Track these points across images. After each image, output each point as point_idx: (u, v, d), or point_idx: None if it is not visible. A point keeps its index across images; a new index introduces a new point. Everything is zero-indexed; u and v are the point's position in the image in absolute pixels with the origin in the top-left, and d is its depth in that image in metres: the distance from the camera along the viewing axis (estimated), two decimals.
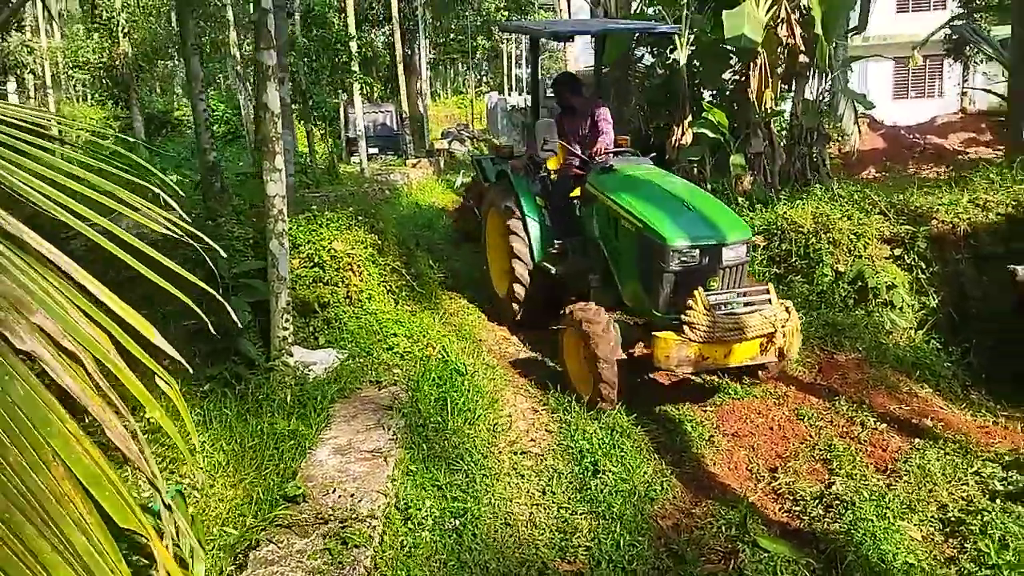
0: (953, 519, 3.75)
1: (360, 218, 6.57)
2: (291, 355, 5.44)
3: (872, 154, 15.49)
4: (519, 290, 6.55)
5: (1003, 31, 18.52)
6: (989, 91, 15.39)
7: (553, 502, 4.14)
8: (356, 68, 13.80)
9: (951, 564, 3.51)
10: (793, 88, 9.70)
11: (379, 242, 6.63)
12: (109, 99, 14.83)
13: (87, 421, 1.68)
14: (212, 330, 2.22)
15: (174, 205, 2.24)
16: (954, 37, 16.10)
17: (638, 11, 14.60)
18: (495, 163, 7.45)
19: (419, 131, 21.92)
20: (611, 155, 6.07)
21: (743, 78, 9.80)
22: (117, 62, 14.90)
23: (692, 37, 9.31)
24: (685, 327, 4.66)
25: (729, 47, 9.51)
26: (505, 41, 31.20)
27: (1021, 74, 8.40)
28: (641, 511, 4.01)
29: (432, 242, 9.08)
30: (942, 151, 16.15)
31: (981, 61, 18.87)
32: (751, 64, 8.91)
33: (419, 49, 22.22)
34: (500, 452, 4.66)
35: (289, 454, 4.22)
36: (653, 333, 4.77)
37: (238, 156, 15.19)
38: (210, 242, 2.33)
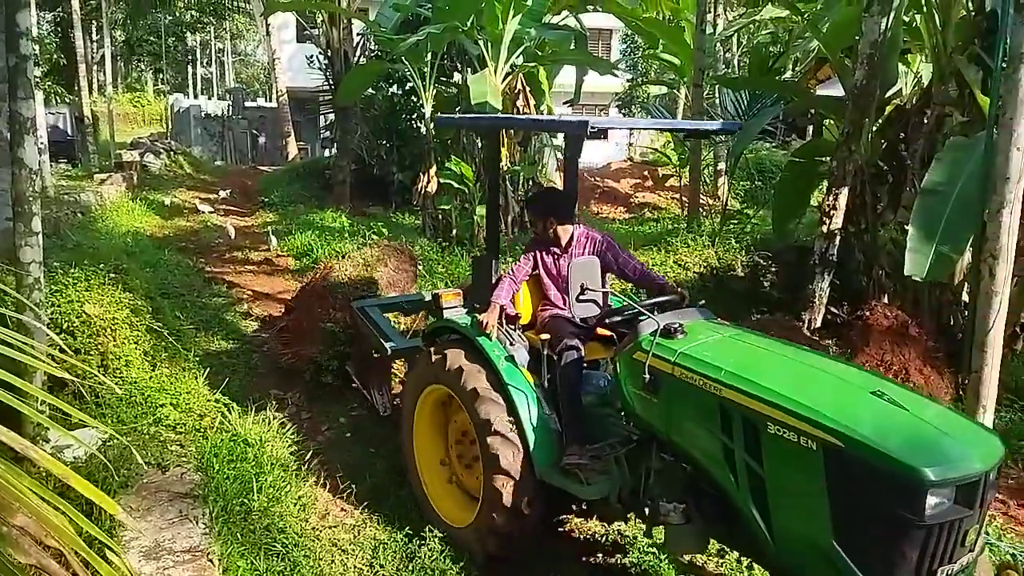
0: None
1: (112, 275, 5.92)
2: (47, 440, 4.80)
3: None
4: (507, 526, 4.13)
5: (657, 90, 22.41)
6: (654, 150, 18.39)
7: None
8: (39, 73, 11.92)
9: None
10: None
11: (133, 300, 6.04)
12: None
13: None
14: None
15: None
16: (626, 99, 18.97)
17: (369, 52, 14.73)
18: (387, 309, 5.90)
19: (95, 136, 19.49)
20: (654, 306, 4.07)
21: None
22: None
23: (434, 91, 9.90)
24: None
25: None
26: (196, 42, 29.04)
27: (697, 153, 10.44)
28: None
29: (168, 285, 8.35)
30: (616, 193, 18.96)
31: (643, 118, 22.56)
32: None
33: (102, 42, 19.79)
34: (315, 528, 4.65)
35: (78, 564, 3.78)
36: None
37: None
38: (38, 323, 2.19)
